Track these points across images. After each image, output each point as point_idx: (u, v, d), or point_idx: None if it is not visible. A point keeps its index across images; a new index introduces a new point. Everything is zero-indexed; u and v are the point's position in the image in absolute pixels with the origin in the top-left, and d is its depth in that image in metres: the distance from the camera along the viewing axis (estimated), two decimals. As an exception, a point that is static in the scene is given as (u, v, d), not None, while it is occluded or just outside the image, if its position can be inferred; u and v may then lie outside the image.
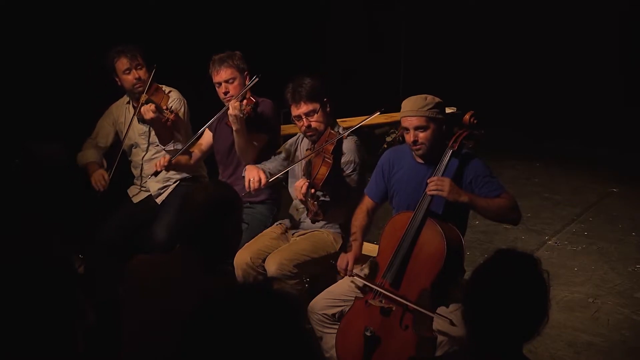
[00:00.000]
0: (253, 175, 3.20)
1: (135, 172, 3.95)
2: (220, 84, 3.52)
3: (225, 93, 3.50)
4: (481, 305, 1.75)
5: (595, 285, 4.30)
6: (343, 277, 3.02)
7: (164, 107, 3.56)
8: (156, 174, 3.51)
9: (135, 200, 3.92)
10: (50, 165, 4.00)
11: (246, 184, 3.21)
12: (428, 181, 2.77)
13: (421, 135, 2.86)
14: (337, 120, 3.49)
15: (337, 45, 7.78)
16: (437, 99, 2.88)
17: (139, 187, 3.94)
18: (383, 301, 2.76)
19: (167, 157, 3.49)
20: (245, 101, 3.36)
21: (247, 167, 3.31)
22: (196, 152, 3.80)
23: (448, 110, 7.28)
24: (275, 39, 6.49)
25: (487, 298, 1.75)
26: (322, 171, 3.06)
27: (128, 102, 3.87)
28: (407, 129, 2.88)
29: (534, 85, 8.05)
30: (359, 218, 3.13)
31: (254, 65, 3.59)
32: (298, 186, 3.04)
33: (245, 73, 3.55)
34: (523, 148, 7.57)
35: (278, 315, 1.15)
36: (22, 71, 4.40)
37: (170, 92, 3.78)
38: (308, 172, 3.19)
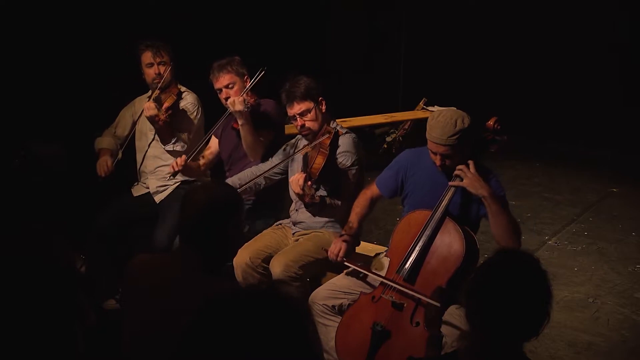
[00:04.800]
0: None
1: (139, 165, 3.97)
2: (220, 90, 3.58)
3: (227, 99, 3.53)
4: (483, 304, 1.76)
5: (595, 285, 4.31)
6: (334, 263, 3.01)
7: (163, 107, 3.62)
8: (174, 174, 3.52)
9: (135, 193, 3.93)
10: (50, 165, 4.00)
11: None
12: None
13: (448, 161, 2.81)
14: (337, 120, 3.50)
15: (337, 45, 7.78)
16: (467, 122, 2.75)
17: (140, 183, 3.96)
18: (394, 296, 2.76)
19: (184, 157, 3.51)
20: (246, 95, 3.45)
21: None
22: (204, 159, 3.82)
23: (448, 110, 7.23)
24: (276, 39, 6.49)
25: (489, 297, 1.75)
26: (319, 160, 3.10)
27: (149, 97, 3.88)
28: (432, 151, 2.83)
29: (535, 86, 8.04)
30: (360, 204, 3.13)
31: (254, 65, 3.60)
32: (295, 179, 3.07)
33: (245, 77, 3.60)
34: (523, 148, 7.56)
35: (284, 320, 1.14)
36: (22, 71, 4.40)
37: (185, 93, 3.83)
38: (305, 165, 3.22)
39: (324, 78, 3.48)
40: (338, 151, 3.23)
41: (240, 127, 3.46)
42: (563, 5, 7.80)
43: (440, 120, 2.76)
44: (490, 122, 2.89)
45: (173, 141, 3.73)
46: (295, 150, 3.43)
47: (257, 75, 3.51)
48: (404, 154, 3.16)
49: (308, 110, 3.25)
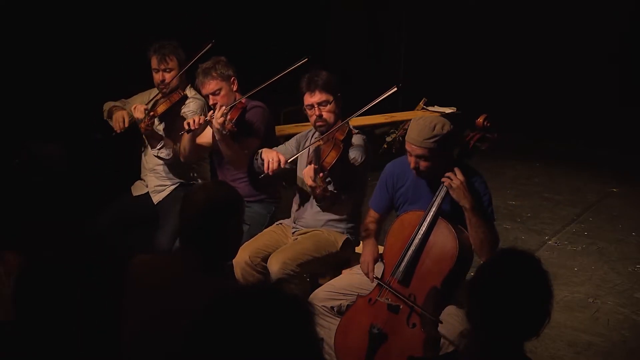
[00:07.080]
0: (272, 156, 3.16)
1: (142, 161, 3.95)
2: (208, 96, 3.55)
3: (214, 104, 3.50)
4: (484, 304, 1.76)
5: (595, 285, 4.31)
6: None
7: (152, 112, 3.56)
8: (188, 131, 3.44)
9: (135, 192, 3.91)
10: (50, 165, 4.00)
11: (265, 165, 3.16)
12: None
13: (422, 163, 2.80)
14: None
15: (337, 46, 7.78)
16: (446, 129, 2.74)
17: (141, 181, 3.94)
18: (389, 299, 2.76)
19: (203, 117, 3.45)
20: (229, 116, 3.36)
21: (263, 149, 3.28)
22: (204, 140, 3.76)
23: (448, 110, 7.27)
24: (275, 39, 6.49)
25: (490, 297, 1.75)
26: (332, 154, 3.06)
27: (150, 100, 3.81)
28: (409, 152, 2.82)
29: (534, 85, 8.05)
30: (368, 227, 3.11)
31: (254, 66, 3.59)
32: (306, 172, 3.02)
33: (232, 79, 3.56)
34: (523, 148, 7.57)
35: (289, 319, 1.14)
36: (22, 71, 4.40)
37: (190, 100, 3.77)
38: (317, 157, 3.15)
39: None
40: (351, 149, 3.20)
41: (218, 141, 3.42)
42: (563, 5, 7.81)
43: (420, 122, 2.76)
44: (480, 120, 2.86)
45: (159, 146, 3.66)
46: (311, 142, 3.37)
47: (299, 62, 3.45)
48: (388, 168, 3.12)
49: (328, 102, 3.23)
